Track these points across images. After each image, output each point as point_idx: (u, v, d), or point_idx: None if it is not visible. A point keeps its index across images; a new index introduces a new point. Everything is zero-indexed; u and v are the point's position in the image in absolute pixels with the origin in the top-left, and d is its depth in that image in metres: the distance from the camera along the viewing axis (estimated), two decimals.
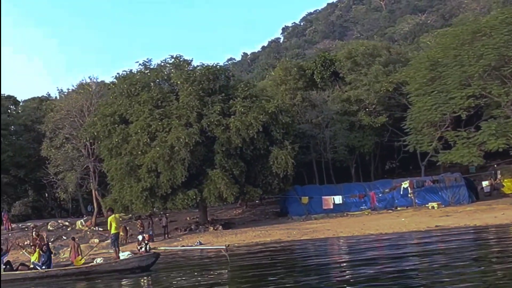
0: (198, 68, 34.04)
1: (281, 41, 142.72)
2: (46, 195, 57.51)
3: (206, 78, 32.45)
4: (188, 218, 38.43)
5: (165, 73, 34.66)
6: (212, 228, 32.94)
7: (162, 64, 34.77)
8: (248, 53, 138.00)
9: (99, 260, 18.84)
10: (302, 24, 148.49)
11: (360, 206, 35.62)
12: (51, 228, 35.17)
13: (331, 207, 35.05)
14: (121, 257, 18.42)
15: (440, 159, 34.00)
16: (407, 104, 40.47)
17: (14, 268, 18.18)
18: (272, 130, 32.61)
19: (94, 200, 37.08)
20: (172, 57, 34.68)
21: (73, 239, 23.50)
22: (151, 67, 35.08)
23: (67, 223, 36.67)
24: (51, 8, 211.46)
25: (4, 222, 35.70)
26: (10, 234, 33.39)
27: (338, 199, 35.04)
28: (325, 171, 43.36)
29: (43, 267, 17.95)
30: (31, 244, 30.12)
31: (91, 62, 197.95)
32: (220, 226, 33.19)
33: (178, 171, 29.98)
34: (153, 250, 19.37)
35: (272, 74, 56.17)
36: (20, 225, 36.80)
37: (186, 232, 32.91)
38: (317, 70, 44.34)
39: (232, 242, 26.76)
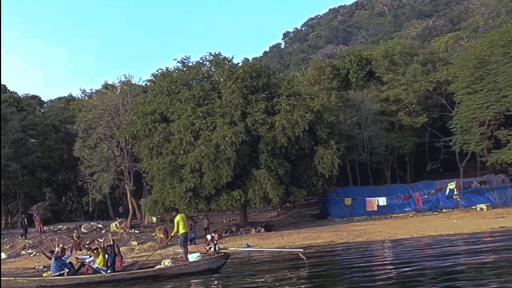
0: (240, 65, 33.13)
1: (282, 46, 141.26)
2: (64, 198, 56.38)
3: (249, 76, 31.46)
4: (224, 220, 37.40)
5: (204, 70, 33.71)
6: (254, 230, 31.83)
7: (201, 61, 33.80)
8: (250, 58, 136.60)
9: (167, 263, 17.78)
10: (303, 29, 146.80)
11: (404, 208, 34.61)
12: (84, 231, 34.10)
13: (375, 209, 34.00)
14: (190, 259, 17.46)
15: (491, 160, 33.00)
16: (446, 104, 39.54)
17: (76, 269, 17.24)
18: (317, 129, 31.52)
19: (129, 202, 35.95)
20: (210, 54, 33.74)
21: (113, 241, 22.44)
22: (189, 64, 34.12)
23: (100, 226, 35.65)
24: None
25: (37, 224, 34.70)
26: (43, 237, 32.42)
27: (382, 201, 33.97)
28: (359, 172, 42.29)
29: (108, 270, 16.93)
30: (72, 246, 29.41)
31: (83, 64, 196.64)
32: (262, 229, 32.07)
33: (224, 171, 28.87)
34: (223, 251, 18.34)
35: (297, 75, 55.39)
36: (51, 228, 35.76)
37: (227, 234, 31.78)
38: (352, 70, 43.37)
39: (281, 245, 25.79)
